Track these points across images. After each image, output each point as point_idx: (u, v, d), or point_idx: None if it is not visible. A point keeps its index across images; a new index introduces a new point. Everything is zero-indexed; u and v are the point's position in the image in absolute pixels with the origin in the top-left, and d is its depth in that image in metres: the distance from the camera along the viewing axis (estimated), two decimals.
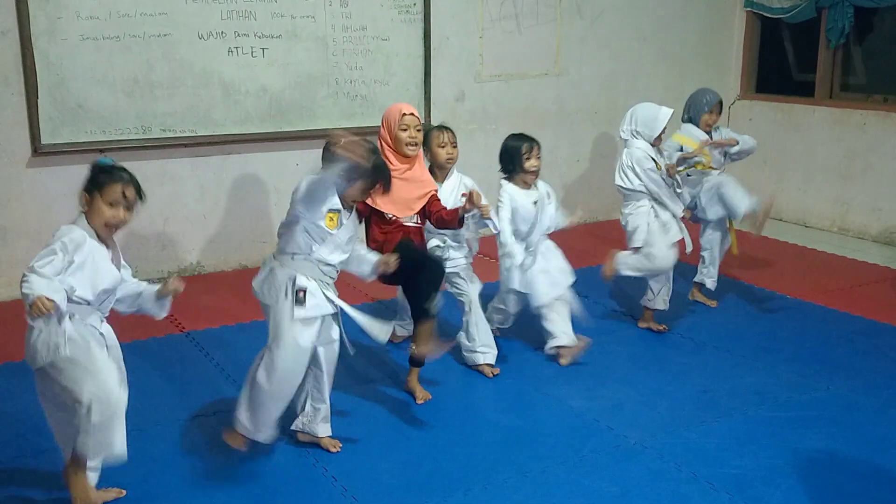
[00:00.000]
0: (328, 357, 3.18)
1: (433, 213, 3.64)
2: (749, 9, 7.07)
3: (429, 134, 3.88)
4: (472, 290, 3.92)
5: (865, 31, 6.64)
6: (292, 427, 3.28)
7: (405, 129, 3.55)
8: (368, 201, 3.51)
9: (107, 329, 2.79)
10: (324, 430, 3.26)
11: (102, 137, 4.92)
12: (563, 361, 4.03)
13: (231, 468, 3.13)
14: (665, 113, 4.26)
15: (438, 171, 3.91)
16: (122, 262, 2.84)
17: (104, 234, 2.72)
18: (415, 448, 3.30)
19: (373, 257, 3.24)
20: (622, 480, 3.06)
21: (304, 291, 2.98)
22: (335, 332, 3.17)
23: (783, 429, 3.44)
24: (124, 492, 2.92)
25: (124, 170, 2.75)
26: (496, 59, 6.19)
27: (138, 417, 3.07)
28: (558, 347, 4.03)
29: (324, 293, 3.04)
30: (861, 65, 6.74)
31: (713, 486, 3.02)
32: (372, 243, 3.62)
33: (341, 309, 3.11)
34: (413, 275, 3.41)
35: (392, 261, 3.19)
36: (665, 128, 4.28)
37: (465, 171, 4.06)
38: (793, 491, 3.00)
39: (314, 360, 3.13)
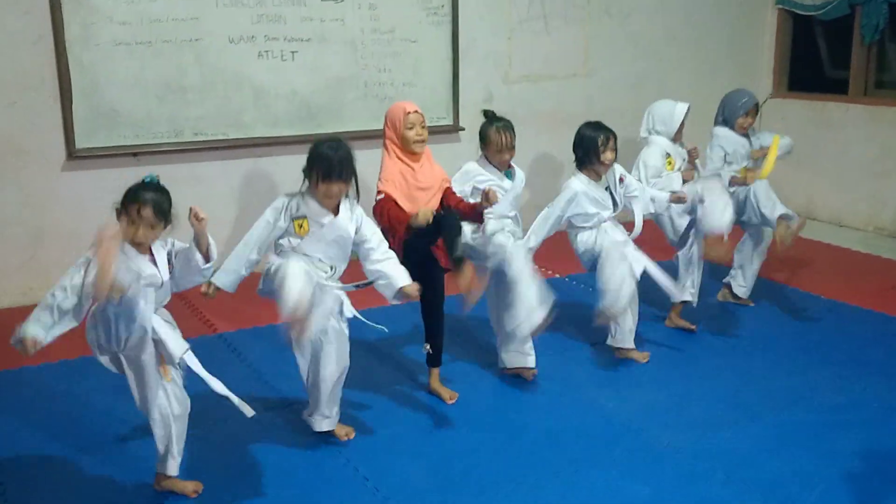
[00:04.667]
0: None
1: (451, 206, 3.53)
2: (781, 6, 6.99)
3: (487, 131, 3.74)
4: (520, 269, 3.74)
5: None
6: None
7: (411, 128, 3.48)
8: (393, 192, 3.44)
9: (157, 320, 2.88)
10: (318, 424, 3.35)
11: (135, 141, 4.98)
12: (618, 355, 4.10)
13: (264, 467, 3.15)
14: (681, 108, 4.34)
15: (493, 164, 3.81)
16: (178, 249, 2.93)
17: (132, 245, 2.81)
18: (445, 449, 3.30)
19: (398, 281, 3.21)
20: (655, 482, 3.04)
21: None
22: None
23: (818, 431, 3.40)
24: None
25: (151, 189, 2.78)
26: (524, 61, 6.18)
27: None
28: (618, 348, 4.11)
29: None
30: None
31: (747, 488, 2.99)
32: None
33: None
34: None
35: (415, 292, 3.20)
36: (683, 122, 4.33)
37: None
38: (828, 494, 2.96)
39: None
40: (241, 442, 3.35)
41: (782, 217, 4.45)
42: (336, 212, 3.17)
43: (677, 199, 4.07)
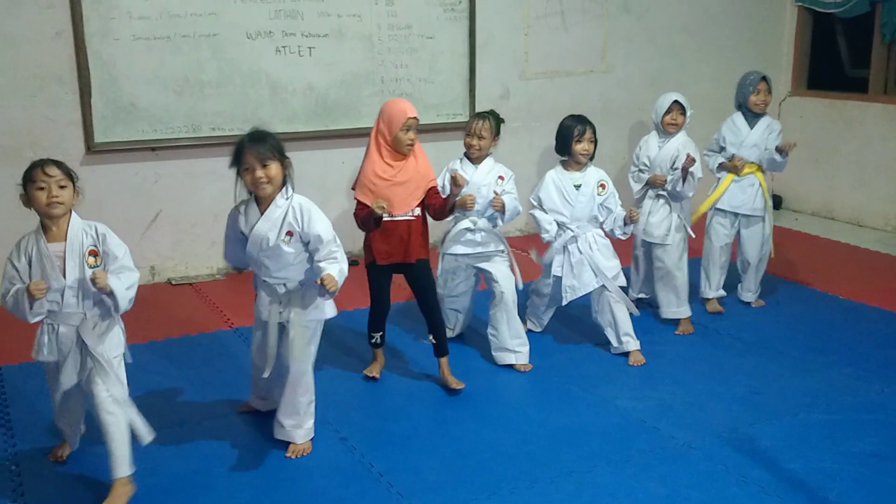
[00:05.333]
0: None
1: (431, 205, 3.62)
2: (800, 3, 6.94)
3: (470, 119, 3.95)
4: (504, 280, 3.89)
5: None
6: None
7: (407, 131, 3.54)
8: (364, 199, 3.53)
9: (87, 324, 2.84)
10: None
11: (153, 136, 5.01)
12: (631, 362, 4.05)
13: (278, 463, 3.16)
14: (668, 98, 4.36)
15: (470, 158, 3.94)
16: (107, 251, 2.86)
17: (52, 216, 2.79)
18: (459, 445, 3.29)
19: (321, 273, 3.00)
20: (670, 482, 3.02)
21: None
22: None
23: (835, 432, 3.37)
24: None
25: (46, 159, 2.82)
26: (541, 57, 6.16)
27: (188, 411, 3.11)
28: (625, 353, 4.08)
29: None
30: None
31: (763, 489, 2.97)
32: (369, 241, 3.63)
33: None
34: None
35: (329, 283, 2.96)
36: (674, 114, 4.35)
37: (509, 168, 4.04)
38: (845, 495, 2.94)
39: None
40: (257, 437, 3.36)
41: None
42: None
43: (629, 218, 4.01)
